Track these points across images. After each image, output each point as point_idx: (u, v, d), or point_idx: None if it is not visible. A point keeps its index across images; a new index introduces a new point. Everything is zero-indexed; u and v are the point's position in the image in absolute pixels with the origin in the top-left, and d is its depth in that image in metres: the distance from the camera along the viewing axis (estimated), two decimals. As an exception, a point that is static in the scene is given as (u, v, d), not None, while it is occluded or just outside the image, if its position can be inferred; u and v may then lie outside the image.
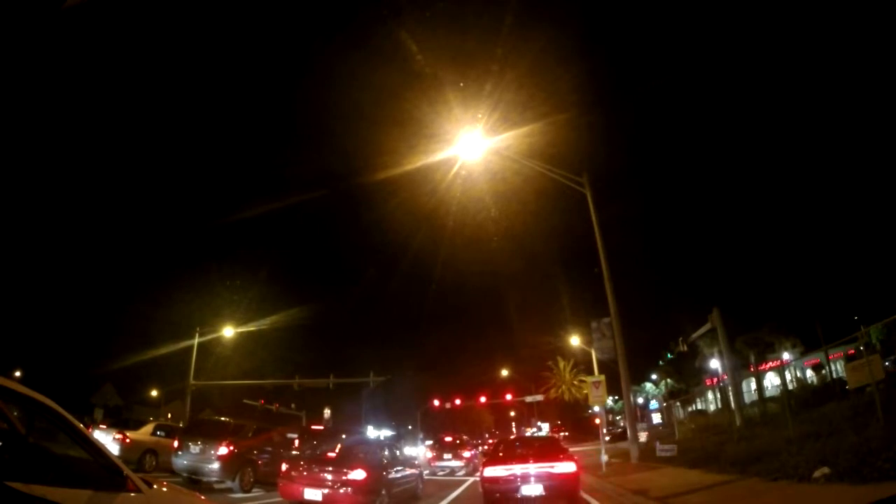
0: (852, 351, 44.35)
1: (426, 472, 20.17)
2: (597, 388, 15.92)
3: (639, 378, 50.94)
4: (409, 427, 64.69)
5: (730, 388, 47.97)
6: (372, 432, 62.09)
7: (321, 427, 18.79)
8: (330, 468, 9.33)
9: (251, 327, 41.45)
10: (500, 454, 10.91)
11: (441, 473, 19.71)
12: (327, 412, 50.87)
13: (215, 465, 12.30)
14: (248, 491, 12.65)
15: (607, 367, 48.24)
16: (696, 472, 12.57)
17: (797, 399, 31.49)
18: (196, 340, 38.66)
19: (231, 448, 12.47)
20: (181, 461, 12.78)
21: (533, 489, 9.04)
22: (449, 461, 18.94)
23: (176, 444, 13.22)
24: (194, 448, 12.67)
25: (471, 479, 17.85)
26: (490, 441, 52.06)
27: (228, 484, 12.58)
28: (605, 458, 21.18)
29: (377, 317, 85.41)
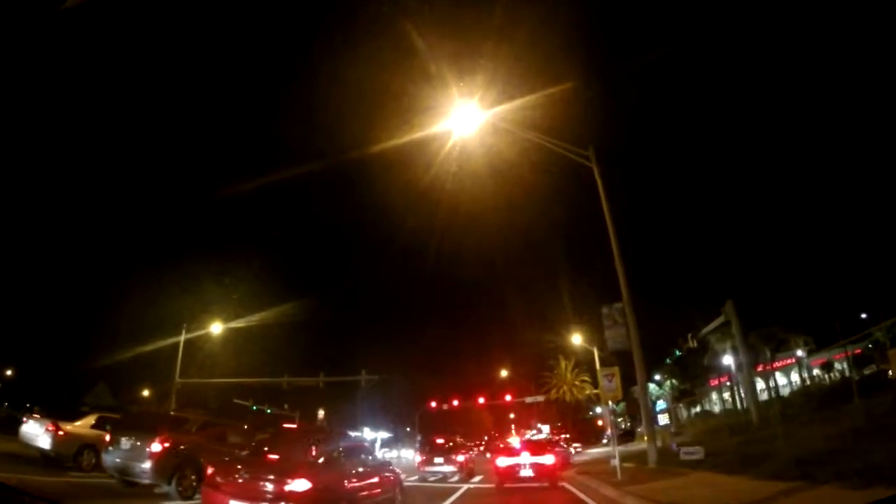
0: (859, 350, 41.29)
1: (414, 477, 17.45)
2: (609, 380, 13.28)
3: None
4: (408, 429, 61.77)
5: (740, 386, 45.13)
6: (368, 434, 59.15)
7: (294, 426, 16.13)
8: (269, 475, 6.73)
9: (244, 323, 38.82)
10: (507, 450, 15.03)
11: (432, 479, 17.01)
12: (321, 413, 48.20)
13: (146, 465, 9.71)
14: (190, 497, 9.99)
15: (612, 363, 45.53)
16: (737, 478, 9.90)
17: (814, 397, 28.88)
18: (183, 337, 36.03)
19: (165, 444, 9.85)
20: (111, 458, 10.31)
21: (527, 472, 13.65)
22: (440, 466, 16.22)
23: (108, 437, 10.74)
24: (125, 443, 10.13)
25: (465, 487, 15.15)
26: (489, 442, 49.27)
27: (165, 488, 9.97)
28: (616, 462, 18.46)
29: (374, 315, 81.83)
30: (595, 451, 33.28)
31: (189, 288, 39.49)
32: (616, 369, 13.46)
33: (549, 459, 13.99)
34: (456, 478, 16.64)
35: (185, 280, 39.29)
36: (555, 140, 18.45)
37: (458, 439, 17.71)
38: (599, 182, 17.51)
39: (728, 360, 33.71)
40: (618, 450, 20.47)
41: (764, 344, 33.10)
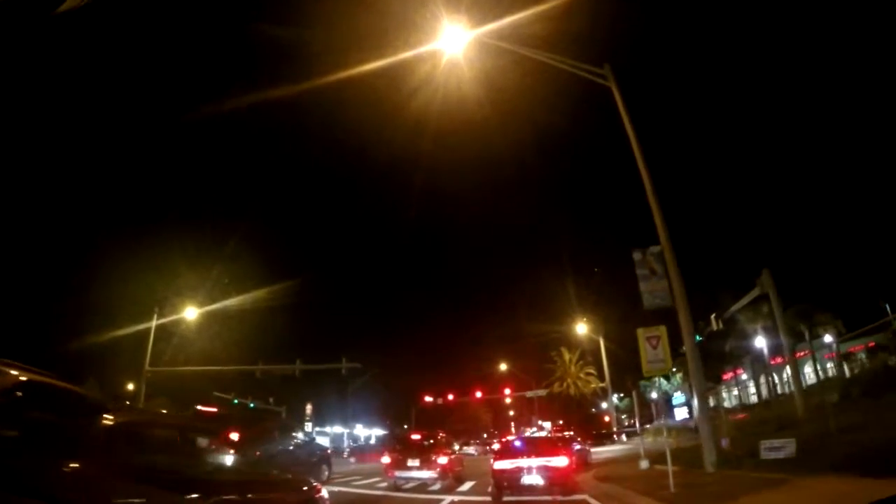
0: (872, 343, 36.25)
1: (383, 485, 12.65)
2: (654, 345, 8.60)
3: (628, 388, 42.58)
4: (405, 426, 56.71)
5: (751, 378, 39.89)
6: (361, 431, 54.13)
7: (214, 410, 11.50)
8: None
9: (234, 304, 34.18)
10: (508, 450, 11.40)
11: (409, 486, 12.23)
12: (309, 408, 43.50)
13: None
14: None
15: (616, 359, 40.22)
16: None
17: (854, 385, 24.26)
18: (154, 322, 31.38)
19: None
20: None
21: (533, 479, 10.11)
22: (416, 470, 11.42)
23: None
24: None
25: (448, 500, 10.37)
26: (488, 440, 43.92)
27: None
28: (646, 464, 13.69)
29: (366, 307, 75.03)
30: (607, 450, 28.36)
31: (165, 271, 34.50)
32: (663, 329, 8.79)
33: (562, 461, 10.15)
34: (438, 485, 11.84)
35: (158, 261, 34.22)
36: (564, 59, 13.99)
37: (440, 436, 12.80)
38: (620, 102, 13.02)
39: (756, 344, 28.65)
40: (642, 446, 15.75)
41: (801, 322, 28.05)
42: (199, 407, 12.41)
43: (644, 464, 13.47)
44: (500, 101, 17.61)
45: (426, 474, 11.48)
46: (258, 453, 11.02)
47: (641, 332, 8.84)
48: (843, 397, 21.80)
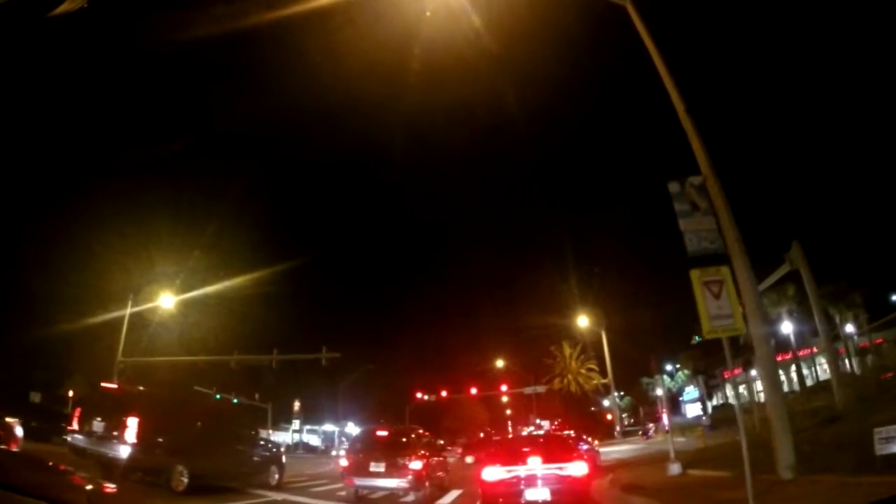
0: (880, 340, 33.05)
1: (343, 493, 9.50)
2: (716, 293, 5.60)
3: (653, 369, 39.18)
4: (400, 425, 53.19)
5: (777, 366, 36.38)
6: (352, 429, 50.76)
7: (115, 385, 8.68)
8: None
9: (220, 294, 31.05)
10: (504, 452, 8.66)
11: (375, 496, 9.12)
12: (297, 405, 40.39)
13: None
14: None
15: (617, 354, 36.99)
16: None
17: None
18: (128, 310, 28.17)
19: None
20: None
21: (539, 494, 7.30)
22: (381, 477, 8.24)
23: None
24: None
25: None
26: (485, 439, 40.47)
27: None
28: (676, 468, 10.55)
29: (361, 299, 68.94)
30: (610, 450, 25.13)
31: (142, 258, 31.30)
32: (725, 271, 5.79)
33: (579, 469, 7.06)
34: (411, 497, 8.74)
35: (136, 248, 31.00)
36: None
37: (414, 434, 9.40)
38: (637, 17, 10.01)
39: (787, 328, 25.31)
40: (672, 446, 12.57)
41: (833, 304, 24.80)
42: (103, 384, 9.87)
43: (674, 468, 10.37)
44: (496, 34, 14.53)
45: (393, 483, 8.35)
46: (167, 444, 8.16)
47: (697, 276, 5.81)
48: (884, 391, 19.09)
